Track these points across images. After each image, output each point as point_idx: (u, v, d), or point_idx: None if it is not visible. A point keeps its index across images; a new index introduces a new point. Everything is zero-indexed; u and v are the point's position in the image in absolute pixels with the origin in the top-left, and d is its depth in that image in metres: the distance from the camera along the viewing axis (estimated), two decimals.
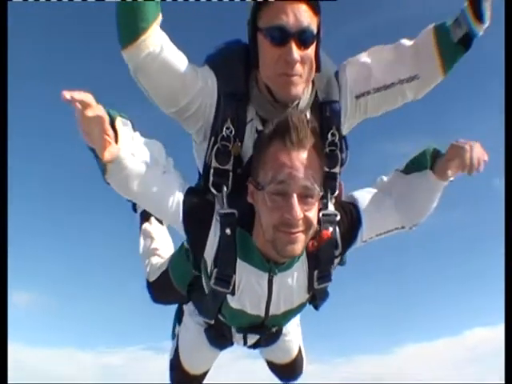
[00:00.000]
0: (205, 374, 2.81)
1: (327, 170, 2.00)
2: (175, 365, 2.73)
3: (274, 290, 2.00)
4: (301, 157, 1.72)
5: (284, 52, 1.82)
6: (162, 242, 2.87)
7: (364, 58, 2.10)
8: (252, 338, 2.41)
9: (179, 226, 1.97)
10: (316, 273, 2.00)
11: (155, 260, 2.74)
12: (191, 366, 2.72)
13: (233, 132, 1.96)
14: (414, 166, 2.06)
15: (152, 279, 2.63)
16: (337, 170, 2.07)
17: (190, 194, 1.94)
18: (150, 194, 1.92)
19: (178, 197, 1.92)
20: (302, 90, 1.93)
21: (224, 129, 1.96)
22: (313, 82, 2.00)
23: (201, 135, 2.07)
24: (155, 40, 1.89)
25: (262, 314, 2.09)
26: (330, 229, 1.96)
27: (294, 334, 2.71)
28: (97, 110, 1.61)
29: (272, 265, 1.92)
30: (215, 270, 1.97)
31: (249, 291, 2.01)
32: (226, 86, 1.97)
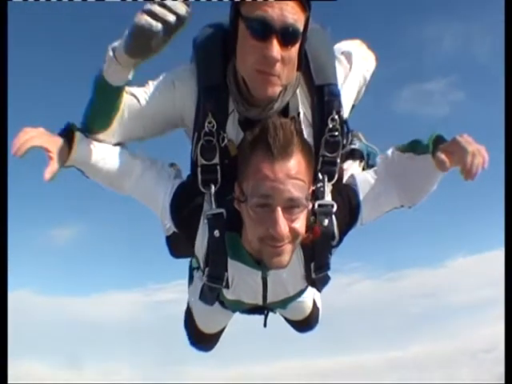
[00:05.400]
0: (221, 332, 2.86)
1: (326, 155, 1.94)
2: (189, 323, 2.76)
3: (269, 284, 2.01)
4: (285, 167, 1.63)
5: (264, 48, 1.69)
6: None
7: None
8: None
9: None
10: (313, 264, 1.97)
11: None
12: (206, 327, 2.75)
13: (215, 126, 1.89)
14: (415, 148, 1.97)
15: (169, 233, 2.56)
16: (337, 155, 1.97)
17: (178, 193, 1.94)
18: (139, 192, 2.01)
19: (165, 198, 1.94)
20: (279, 91, 1.82)
21: (206, 124, 1.89)
22: (299, 63, 1.84)
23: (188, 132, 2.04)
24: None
25: (260, 302, 2.12)
26: (326, 221, 1.89)
27: (306, 294, 2.54)
28: (33, 142, 1.70)
29: (263, 267, 1.89)
30: (207, 269, 1.98)
31: (243, 286, 2.03)
32: (205, 80, 1.91)
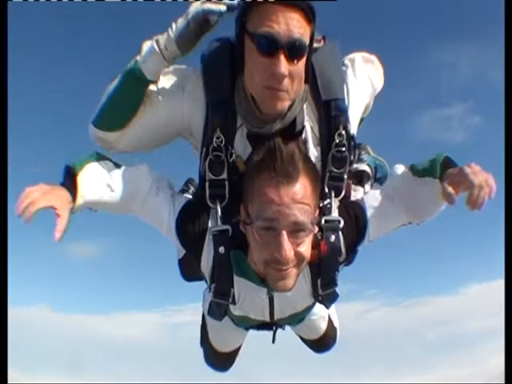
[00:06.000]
0: (236, 351, 2.83)
1: (333, 170, 1.93)
2: (205, 342, 2.74)
3: (276, 302, 2.00)
4: (291, 191, 1.63)
5: (271, 64, 1.68)
6: None
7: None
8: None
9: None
10: (319, 281, 1.95)
11: None
12: (219, 345, 2.72)
13: (223, 142, 1.88)
14: (424, 171, 1.96)
15: (181, 256, 2.45)
16: (344, 170, 1.95)
17: (184, 210, 1.94)
18: (146, 214, 2.02)
19: (169, 217, 1.94)
20: (288, 106, 1.81)
21: (214, 139, 1.88)
22: (306, 76, 1.82)
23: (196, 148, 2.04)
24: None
25: (267, 319, 2.11)
26: (333, 237, 1.87)
27: (319, 311, 2.54)
28: (38, 205, 1.63)
29: (269, 285, 1.85)
30: (213, 285, 1.97)
31: (250, 302, 2.02)
32: (213, 95, 1.91)
